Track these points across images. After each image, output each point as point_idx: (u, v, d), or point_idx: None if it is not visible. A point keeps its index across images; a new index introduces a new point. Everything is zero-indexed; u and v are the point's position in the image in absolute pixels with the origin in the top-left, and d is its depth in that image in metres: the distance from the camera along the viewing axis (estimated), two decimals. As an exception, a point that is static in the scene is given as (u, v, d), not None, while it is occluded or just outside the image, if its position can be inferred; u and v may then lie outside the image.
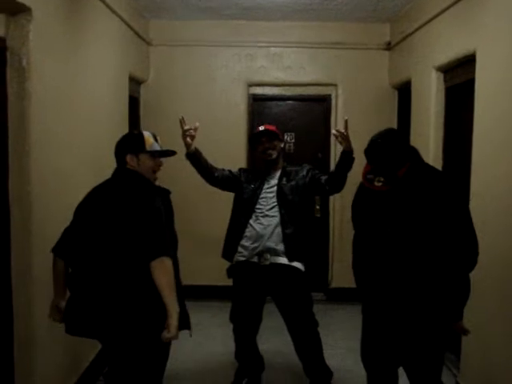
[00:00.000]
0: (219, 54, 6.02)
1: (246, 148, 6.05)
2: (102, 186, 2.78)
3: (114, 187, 2.73)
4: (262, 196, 3.69)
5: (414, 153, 2.74)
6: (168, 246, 2.58)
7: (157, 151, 2.82)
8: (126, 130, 4.68)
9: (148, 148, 2.77)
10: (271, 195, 3.69)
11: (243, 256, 3.66)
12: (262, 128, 3.74)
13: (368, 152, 2.72)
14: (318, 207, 6.00)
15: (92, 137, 3.92)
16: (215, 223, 5.45)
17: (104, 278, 2.58)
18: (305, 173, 3.73)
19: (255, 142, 3.76)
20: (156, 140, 2.84)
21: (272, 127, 3.77)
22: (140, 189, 2.67)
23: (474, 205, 2.92)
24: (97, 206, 2.69)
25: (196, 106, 5.95)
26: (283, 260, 3.60)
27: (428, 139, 4.47)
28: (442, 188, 2.63)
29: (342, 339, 4.83)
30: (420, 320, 2.67)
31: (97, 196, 2.74)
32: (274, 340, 4.66)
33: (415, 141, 4.66)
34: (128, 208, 2.59)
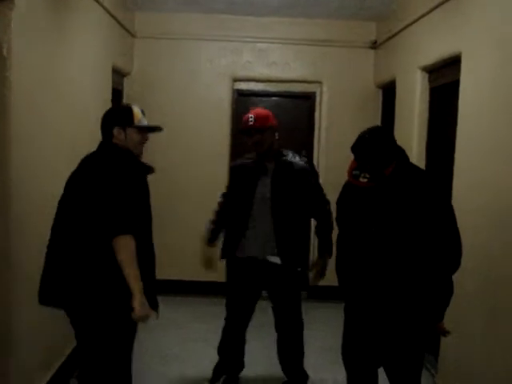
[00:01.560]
0: (205, 47, 5.97)
1: (230, 142, 6.04)
2: (86, 158, 2.75)
3: (92, 160, 2.70)
4: (257, 195, 3.57)
5: (401, 152, 2.73)
6: (131, 224, 2.52)
7: (145, 126, 2.80)
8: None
9: (136, 122, 2.75)
10: (267, 195, 3.55)
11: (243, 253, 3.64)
12: (251, 119, 3.50)
13: (355, 148, 2.71)
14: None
15: (74, 127, 3.86)
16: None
17: (72, 251, 2.59)
18: (301, 178, 3.57)
19: (245, 134, 3.58)
20: (144, 114, 2.83)
21: (262, 114, 3.53)
22: (114, 164, 2.62)
23: (456, 205, 2.91)
24: (74, 178, 2.69)
25: (180, 99, 5.92)
26: (277, 260, 3.57)
27: (411, 139, 4.47)
28: (427, 189, 2.62)
29: (321, 338, 4.81)
30: (401, 320, 2.66)
31: (78, 168, 2.72)
32: (258, 338, 4.62)
33: (399, 140, 4.60)
34: (97, 182, 2.57)
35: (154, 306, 2.71)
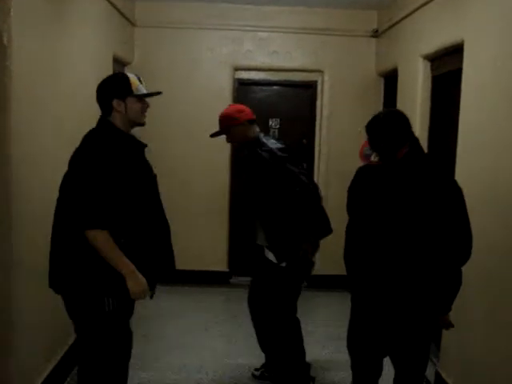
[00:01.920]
0: (206, 36, 5.95)
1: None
2: (83, 137, 2.67)
3: (81, 143, 2.63)
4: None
5: (415, 140, 2.71)
6: (99, 217, 2.45)
7: (145, 94, 2.73)
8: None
9: (135, 91, 2.67)
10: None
11: None
12: (219, 120, 3.65)
13: (369, 126, 2.70)
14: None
15: (75, 117, 3.83)
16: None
17: (62, 236, 2.59)
18: (257, 169, 3.47)
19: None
20: (141, 81, 2.74)
21: (223, 116, 3.64)
22: (95, 150, 2.54)
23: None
24: (70, 159, 2.62)
25: (181, 88, 5.90)
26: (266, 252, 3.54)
27: (413, 128, 4.41)
28: (440, 180, 2.60)
29: (323, 326, 4.83)
30: (409, 311, 2.65)
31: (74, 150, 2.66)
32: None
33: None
34: (75, 170, 2.54)
35: (151, 286, 2.69)
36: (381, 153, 2.67)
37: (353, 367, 2.97)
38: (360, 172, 2.90)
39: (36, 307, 3.24)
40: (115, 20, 5.05)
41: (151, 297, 2.74)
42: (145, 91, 2.73)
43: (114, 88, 2.67)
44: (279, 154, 3.40)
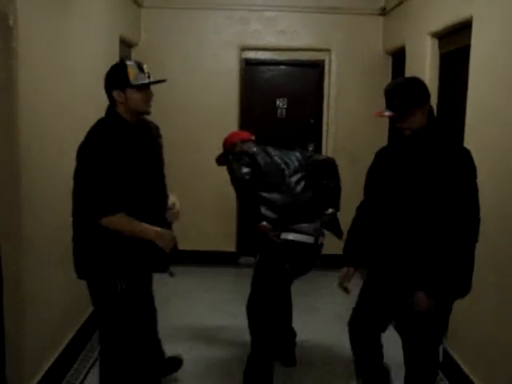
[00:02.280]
0: (212, 16, 5.91)
1: (239, 113, 6.01)
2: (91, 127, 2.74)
3: (88, 133, 2.69)
4: None
5: (431, 112, 2.68)
6: (109, 204, 2.55)
7: (143, 84, 2.68)
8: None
9: (132, 81, 2.64)
10: None
11: None
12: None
13: (386, 86, 2.70)
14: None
15: (81, 99, 3.84)
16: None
17: (75, 223, 2.72)
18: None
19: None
20: (142, 69, 2.69)
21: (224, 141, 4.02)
22: (95, 140, 2.62)
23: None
24: (78, 149, 2.68)
25: (188, 69, 5.89)
26: None
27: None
28: (454, 158, 2.56)
29: (330, 303, 4.86)
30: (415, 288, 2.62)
31: None
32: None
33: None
34: (80, 160, 2.62)
35: (164, 268, 2.86)
36: (395, 108, 2.61)
37: (351, 344, 2.97)
38: (378, 154, 2.90)
39: (47, 282, 3.30)
40: (121, 1, 5.03)
41: (171, 274, 2.93)
42: (146, 80, 2.69)
43: (113, 79, 2.69)
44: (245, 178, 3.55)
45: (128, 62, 2.70)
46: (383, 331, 2.91)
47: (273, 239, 3.39)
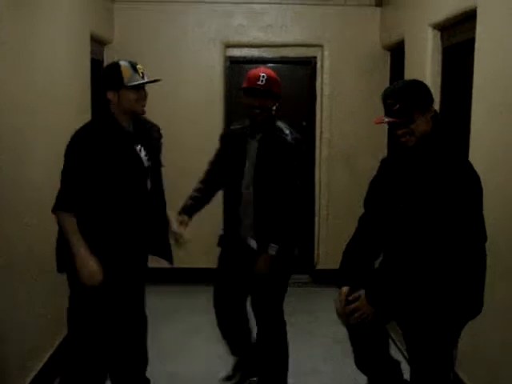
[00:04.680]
0: (192, 10, 5.90)
1: (223, 117, 5.99)
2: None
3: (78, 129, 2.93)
4: (247, 164, 3.48)
5: (435, 118, 2.66)
6: (65, 201, 2.82)
7: (137, 84, 2.87)
8: (89, 95, 4.58)
9: (126, 81, 2.84)
10: (251, 168, 3.46)
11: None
12: (262, 78, 3.38)
13: (385, 90, 2.73)
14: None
15: (50, 100, 3.79)
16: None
17: None
18: (284, 155, 3.43)
19: (248, 93, 3.44)
20: (135, 69, 2.88)
21: (275, 78, 3.45)
22: (78, 137, 2.85)
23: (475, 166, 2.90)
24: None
25: (167, 68, 5.84)
26: (253, 243, 3.49)
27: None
28: (450, 175, 2.51)
29: (327, 327, 4.81)
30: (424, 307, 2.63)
31: None
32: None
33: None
34: (65, 152, 2.86)
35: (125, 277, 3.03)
36: (396, 114, 2.60)
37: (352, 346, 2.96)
38: (383, 163, 2.90)
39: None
40: (92, -5, 5.01)
41: (171, 262, 3.24)
42: (140, 80, 2.88)
43: (107, 80, 2.89)
44: None
45: (121, 63, 2.90)
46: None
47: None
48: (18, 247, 3.32)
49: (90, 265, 2.83)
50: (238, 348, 3.82)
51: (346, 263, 2.93)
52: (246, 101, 3.45)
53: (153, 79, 2.98)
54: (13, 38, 3.31)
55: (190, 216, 3.62)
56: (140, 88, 2.91)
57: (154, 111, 5.66)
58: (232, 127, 3.74)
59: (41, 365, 3.68)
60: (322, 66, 6.02)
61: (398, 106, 2.56)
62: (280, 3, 5.93)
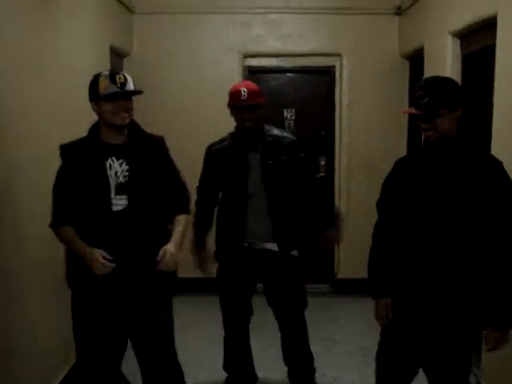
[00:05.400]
0: (211, 21, 5.95)
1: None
2: None
3: None
4: (251, 175, 3.58)
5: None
6: (55, 216, 2.84)
7: (108, 94, 2.71)
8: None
9: (101, 92, 2.71)
10: (256, 178, 3.57)
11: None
12: (244, 93, 3.49)
13: (418, 83, 2.70)
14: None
15: (68, 116, 3.84)
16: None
17: None
18: (286, 147, 3.61)
19: (240, 110, 3.53)
20: (114, 79, 2.70)
21: (255, 90, 3.58)
22: (61, 150, 2.85)
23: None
24: None
25: (186, 79, 5.90)
26: (273, 246, 3.58)
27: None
28: (488, 170, 2.53)
29: (350, 335, 4.80)
30: (456, 319, 2.60)
31: None
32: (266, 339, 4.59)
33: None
34: None
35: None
36: (425, 107, 2.57)
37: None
38: (398, 164, 2.84)
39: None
40: (111, 7, 5.07)
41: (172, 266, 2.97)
42: (116, 90, 2.70)
43: (89, 92, 2.79)
44: None
45: (102, 73, 2.77)
46: (416, 373, 2.84)
47: None
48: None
49: (97, 255, 2.69)
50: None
51: (379, 273, 2.83)
52: (236, 117, 3.59)
53: (130, 90, 2.76)
54: (33, 49, 3.37)
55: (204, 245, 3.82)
56: (115, 99, 2.71)
57: (174, 123, 5.72)
58: (216, 146, 3.83)
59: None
60: (340, 76, 6.03)
61: (426, 99, 2.55)
62: (298, 13, 5.95)
